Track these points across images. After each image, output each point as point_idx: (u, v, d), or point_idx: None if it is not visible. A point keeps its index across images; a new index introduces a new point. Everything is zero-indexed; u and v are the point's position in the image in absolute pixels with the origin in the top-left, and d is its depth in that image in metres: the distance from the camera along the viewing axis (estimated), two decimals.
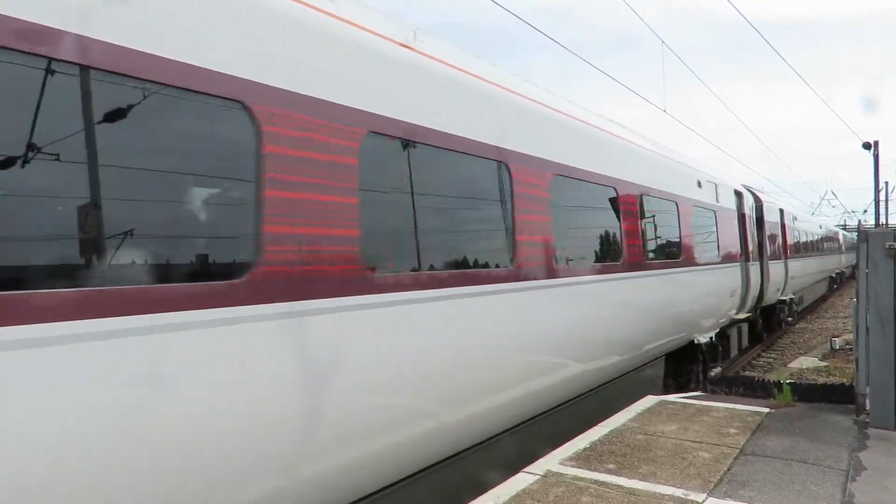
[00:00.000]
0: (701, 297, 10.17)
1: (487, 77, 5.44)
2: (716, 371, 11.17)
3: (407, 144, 4.31)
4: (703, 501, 4.21)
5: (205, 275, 3.03)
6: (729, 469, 4.83)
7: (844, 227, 58.68)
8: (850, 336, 11.98)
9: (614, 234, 7.23)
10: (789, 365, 14.71)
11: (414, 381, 4.20)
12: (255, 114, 3.22)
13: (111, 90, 2.72)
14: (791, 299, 19.22)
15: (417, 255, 4.43)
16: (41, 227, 2.58)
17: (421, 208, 4.45)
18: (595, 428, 6.01)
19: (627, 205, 7.50)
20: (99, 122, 2.69)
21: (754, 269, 13.71)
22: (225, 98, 3.10)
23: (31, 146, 2.48)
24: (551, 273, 5.78)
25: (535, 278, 5.54)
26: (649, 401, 7.14)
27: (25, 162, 2.47)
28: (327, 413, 3.58)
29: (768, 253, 15.49)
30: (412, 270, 4.32)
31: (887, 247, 6.07)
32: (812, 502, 4.22)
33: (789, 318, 19.42)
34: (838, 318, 23.27)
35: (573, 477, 4.67)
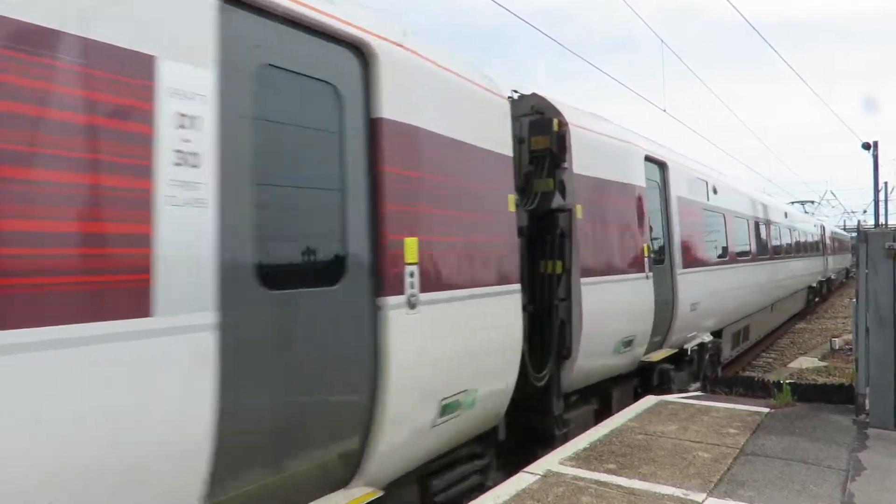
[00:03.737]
0: None
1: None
2: None
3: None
4: (703, 501, 4.22)
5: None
6: (729, 469, 4.84)
7: (844, 228, 57.99)
8: (850, 336, 11.98)
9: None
10: (789, 365, 14.74)
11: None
12: None
13: None
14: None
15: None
16: None
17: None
18: (595, 428, 6.02)
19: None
20: None
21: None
22: None
23: None
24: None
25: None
26: (649, 401, 7.15)
27: None
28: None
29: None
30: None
31: (887, 247, 6.08)
32: (812, 502, 4.23)
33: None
34: (838, 319, 23.29)
35: (573, 477, 4.68)
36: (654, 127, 20.22)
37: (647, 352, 8.23)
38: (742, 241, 13.13)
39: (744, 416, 6.39)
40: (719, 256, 11.15)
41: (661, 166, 9.02)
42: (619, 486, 4.48)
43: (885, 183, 41.63)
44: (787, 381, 8.36)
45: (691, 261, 9.52)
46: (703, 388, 9.51)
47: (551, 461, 5.05)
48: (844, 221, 69.70)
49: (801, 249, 21.73)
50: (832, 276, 33.46)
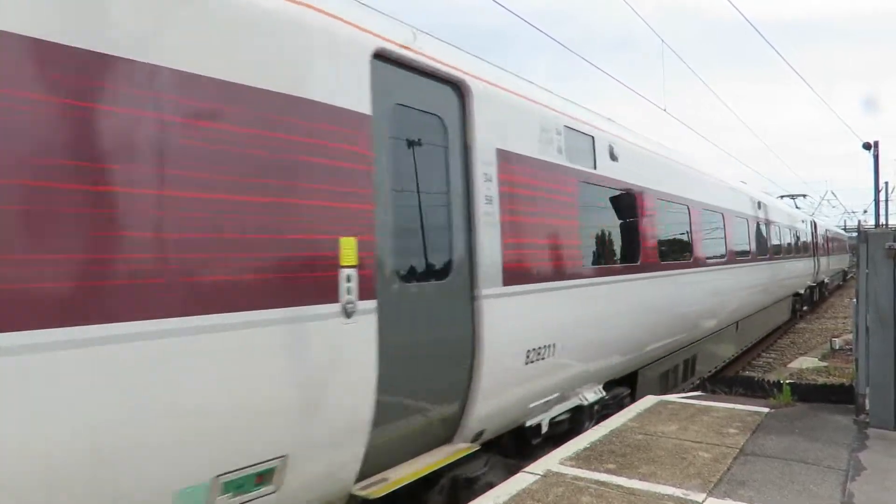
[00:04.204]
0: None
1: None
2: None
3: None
4: (703, 501, 4.22)
5: None
6: (729, 469, 4.84)
7: (845, 228, 57.57)
8: (850, 336, 11.96)
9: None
10: (789, 365, 14.74)
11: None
12: None
13: None
14: None
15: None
16: None
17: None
18: (595, 428, 6.02)
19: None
20: None
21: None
22: None
23: None
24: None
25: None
26: (649, 401, 7.15)
27: None
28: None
29: None
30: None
31: (887, 247, 6.07)
32: (812, 502, 4.23)
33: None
34: (838, 319, 23.29)
35: (573, 477, 4.68)
36: (654, 127, 20.20)
37: (380, 468, 4.17)
38: (674, 237, 8.95)
39: (744, 416, 6.39)
40: (619, 260, 7.19)
41: (456, 88, 4.87)
42: (618, 486, 4.47)
43: (886, 183, 41.65)
44: (787, 381, 8.34)
45: (535, 271, 5.46)
46: (702, 388, 9.51)
47: (551, 461, 5.05)
48: (845, 221, 69.79)
49: (782, 250, 17.90)
50: (825, 280, 29.96)
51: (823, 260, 28.08)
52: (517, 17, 9.03)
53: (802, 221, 23.58)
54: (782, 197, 29.15)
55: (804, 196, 32.15)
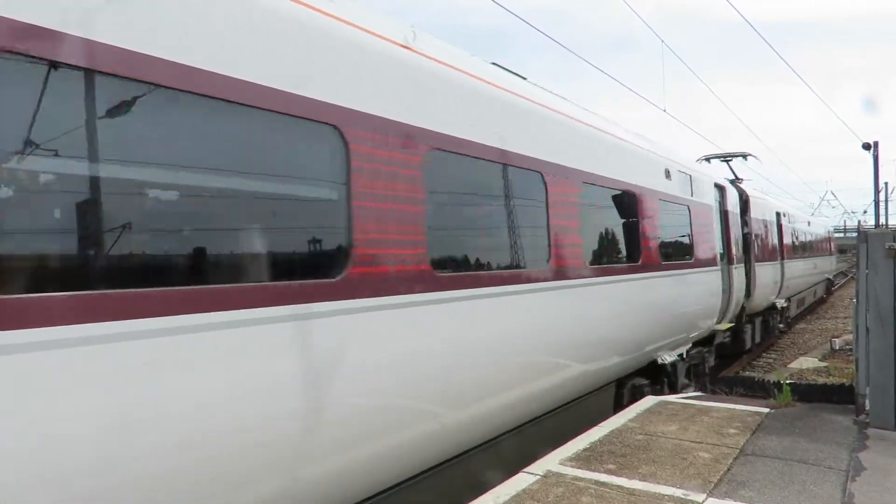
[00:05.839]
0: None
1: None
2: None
3: None
4: (703, 501, 4.22)
5: None
6: (729, 469, 4.83)
7: (844, 229, 57.38)
8: (850, 336, 11.93)
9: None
10: (789, 365, 14.73)
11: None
12: None
13: None
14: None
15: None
16: None
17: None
18: (595, 428, 6.02)
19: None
20: None
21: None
22: None
23: None
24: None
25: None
26: (649, 401, 7.15)
27: None
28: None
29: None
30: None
31: (887, 247, 6.07)
32: (812, 502, 4.22)
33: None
34: (838, 319, 23.29)
35: (573, 477, 4.68)
36: (654, 127, 20.24)
37: None
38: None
39: (744, 417, 6.38)
40: None
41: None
42: (619, 487, 4.47)
43: (886, 183, 41.66)
44: (788, 382, 8.35)
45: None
46: (702, 389, 9.50)
47: (551, 461, 5.05)
48: (845, 221, 69.91)
49: (594, 255, 6.45)
50: (781, 305, 17.35)
51: (766, 270, 15.21)
52: (517, 18, 9.03)
53: (685, 177, 9.64)
54: (708, 159, 15.68)
55: (745, 156, 16.69)
